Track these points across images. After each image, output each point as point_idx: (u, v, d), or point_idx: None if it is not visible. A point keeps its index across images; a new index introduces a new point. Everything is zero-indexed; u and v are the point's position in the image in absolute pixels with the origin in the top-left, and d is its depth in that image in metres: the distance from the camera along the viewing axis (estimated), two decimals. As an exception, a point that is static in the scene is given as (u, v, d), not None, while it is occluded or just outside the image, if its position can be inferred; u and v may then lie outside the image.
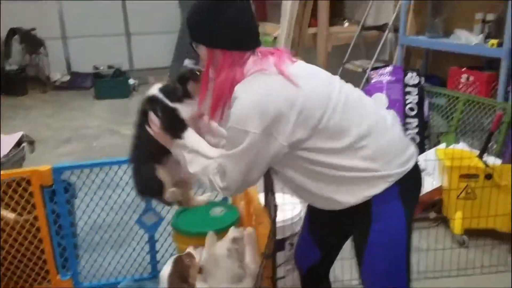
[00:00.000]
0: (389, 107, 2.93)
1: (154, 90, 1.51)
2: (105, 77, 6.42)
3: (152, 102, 1.50)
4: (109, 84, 6.33)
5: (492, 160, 2.31)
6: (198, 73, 1.43)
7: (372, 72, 3.24)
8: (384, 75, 3.06)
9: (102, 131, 4.82)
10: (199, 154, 1.39)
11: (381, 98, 2.96)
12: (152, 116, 1.46)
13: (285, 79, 1.21)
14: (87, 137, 4.56)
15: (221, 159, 1.31)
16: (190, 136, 1.43)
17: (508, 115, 2.51)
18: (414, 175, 1.27)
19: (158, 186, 1.53)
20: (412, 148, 1.30)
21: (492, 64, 2.91)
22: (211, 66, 1.31)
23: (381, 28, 3.97)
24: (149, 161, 1.54)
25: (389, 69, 3.09)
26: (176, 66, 6.93)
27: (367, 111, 1.28)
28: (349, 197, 1.23)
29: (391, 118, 1.31)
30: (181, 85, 1.46)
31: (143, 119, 1.51)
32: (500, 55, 2.69)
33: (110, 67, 6.69)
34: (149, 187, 1.57)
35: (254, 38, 1.32)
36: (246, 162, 1.24)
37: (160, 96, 1.48)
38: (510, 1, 2.62)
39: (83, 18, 7.29)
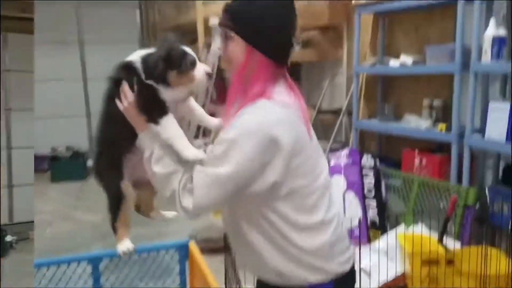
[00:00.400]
0: (348, 189, 2.99)
1: (135, 56, 1.31)
2: (62, 159, 6.30)
3: (128, 70, 1.29)
4: (66, 166, 6.24)
5: (453, 243, 2.34)
6: (188, 64, 1.26)
7: (330, 154, 3.33)
8: (341, 158, 3.14)
9: (56, 216, 4.65)
10: (172, 151, 1.21)
11: (339, 181, 3.01)
12: (126, 87, 1.26)
13: (303, 125, 1.21)
14: (40, 224, 4.37)
15: (199, 174, 1.16)
16: (169, 125, 1.24)
17: (462, 199, 2.59)
18: (351, 278, 1.28)
19: (115, 186, 1.34)
20: (352, 251, 1.30)
21: (442, 146, 3.04)
22: (246, 70, 1.22)
23: (336, 112, 4.13)
24: (115, 146, 1.32)
25: (345, 151, 3.17)
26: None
27: (335, 199, 1.30)
28: (288, 274, 1.20)
29: (341, 214, 1.33)
30: (165, 64, 1.24)
31: (113, 90, 1.30)
32: (449, 139, 2.82)
33: (68, 148, 6.59)
34: (106, 182, 1.39)
35: (290, 54, 1.26)
36: (228, 188, 1.14)
37: (139, 66, 1.27)
38: (454, 89, 2.79)
39: (43, 100, 7.25)
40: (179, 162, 1.22)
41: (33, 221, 6.96)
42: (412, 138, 3.14)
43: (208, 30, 5.54)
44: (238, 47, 1.22)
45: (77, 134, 7.33)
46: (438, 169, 2.90)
